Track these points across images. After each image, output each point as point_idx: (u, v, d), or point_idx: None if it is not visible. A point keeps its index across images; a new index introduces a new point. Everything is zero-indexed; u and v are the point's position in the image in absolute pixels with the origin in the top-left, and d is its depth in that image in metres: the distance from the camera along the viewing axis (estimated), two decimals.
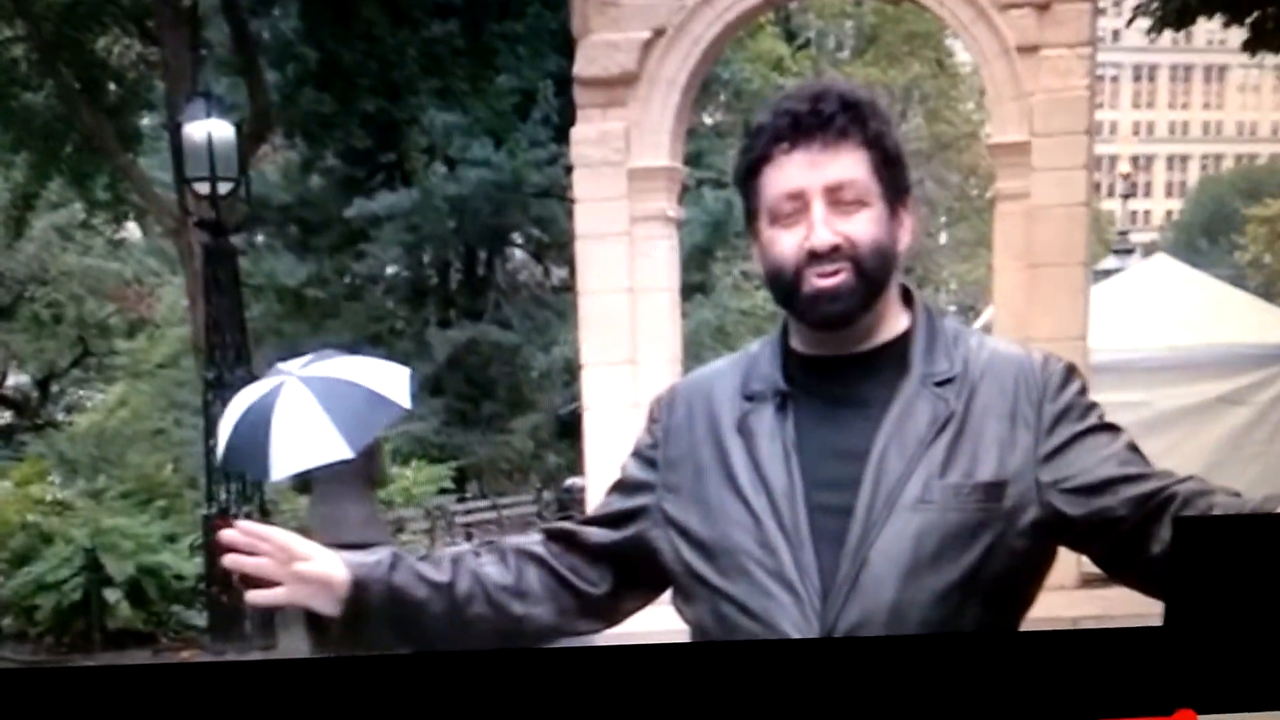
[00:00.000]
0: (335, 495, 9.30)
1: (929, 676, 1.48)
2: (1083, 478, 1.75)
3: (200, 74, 13.31)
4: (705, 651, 1.74)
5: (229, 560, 1.82)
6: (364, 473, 9.38)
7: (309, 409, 7.46)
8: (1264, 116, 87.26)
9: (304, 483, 9.38)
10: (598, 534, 1.95)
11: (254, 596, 1.83)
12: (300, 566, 1.82)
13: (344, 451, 7.44)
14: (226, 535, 1.81)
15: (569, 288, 14.73)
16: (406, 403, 7.48)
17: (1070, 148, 10.02)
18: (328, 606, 1.83)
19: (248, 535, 1.81)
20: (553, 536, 1.97)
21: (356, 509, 9.37)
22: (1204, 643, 1.39)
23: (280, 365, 8.25)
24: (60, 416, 25.24)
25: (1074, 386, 1.84)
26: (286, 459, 7.45)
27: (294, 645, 11.27)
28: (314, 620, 1.88)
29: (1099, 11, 10.63)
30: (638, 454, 1.96)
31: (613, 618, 1.98)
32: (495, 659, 1.52)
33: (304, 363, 7.96)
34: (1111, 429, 1.82)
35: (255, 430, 7.47)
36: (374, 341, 19.32)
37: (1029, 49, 9.99)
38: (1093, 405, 1.84)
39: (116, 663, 10.34)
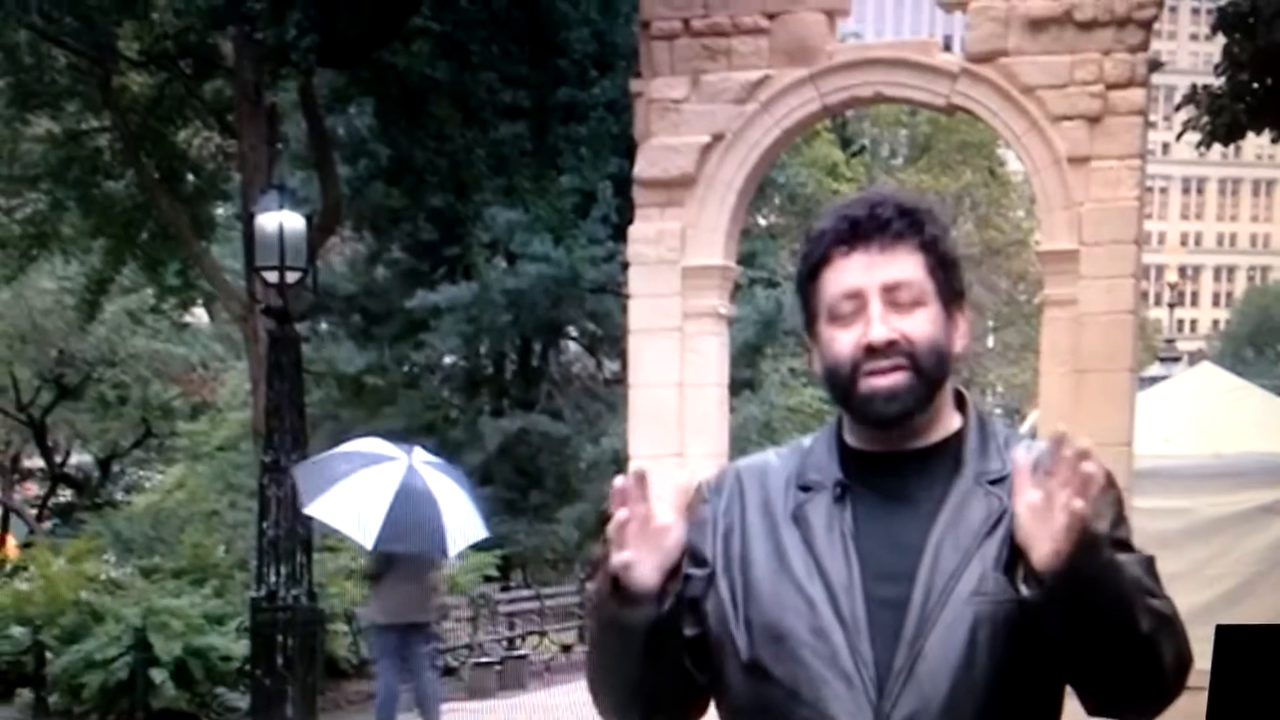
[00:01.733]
0: (415, 576, 9.89)
1: None
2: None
3: (275, 167, 13.64)
4: None
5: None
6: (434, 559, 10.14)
7: (458, 494, 8.25)
8: None
9: (378, 572, 9.77)
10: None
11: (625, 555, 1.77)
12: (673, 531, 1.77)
13: (483, 532, 8.19)
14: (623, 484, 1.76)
15: (620, 380, 14.88)
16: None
17: (1118, 256, 10.08)
18: (654, 578, 1.78)
19: (640, 486, 1.76)
20: None
21: (425, 589, 10.20)
22: None
23: (385, 446, 8.82)
24: (119, 496, 25.45)
25: (1111, 494, 1.85)
26: (458, 537, 8.13)
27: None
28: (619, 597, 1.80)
29: (1150, 125, 10.80)
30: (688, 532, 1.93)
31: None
32: None
33: (407, 449, 8.73)
34: (1131, 548, 1.85)
35: (420, 513, 8.08)
36: (428, 429, 19.56)
37: (1080, 160, 10.09)
38: (1124, 518, 1.88)
39: None
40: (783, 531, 1.88)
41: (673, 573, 1.80)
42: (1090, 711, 1.85)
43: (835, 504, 1.86)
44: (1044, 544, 1.67)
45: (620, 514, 1.75)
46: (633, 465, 10.74)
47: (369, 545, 8.49)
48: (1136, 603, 1.74)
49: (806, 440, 2.01)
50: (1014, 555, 1.75)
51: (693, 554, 1.88)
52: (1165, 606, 1.80)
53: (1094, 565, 1.68)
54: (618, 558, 1.77)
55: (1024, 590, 1.72)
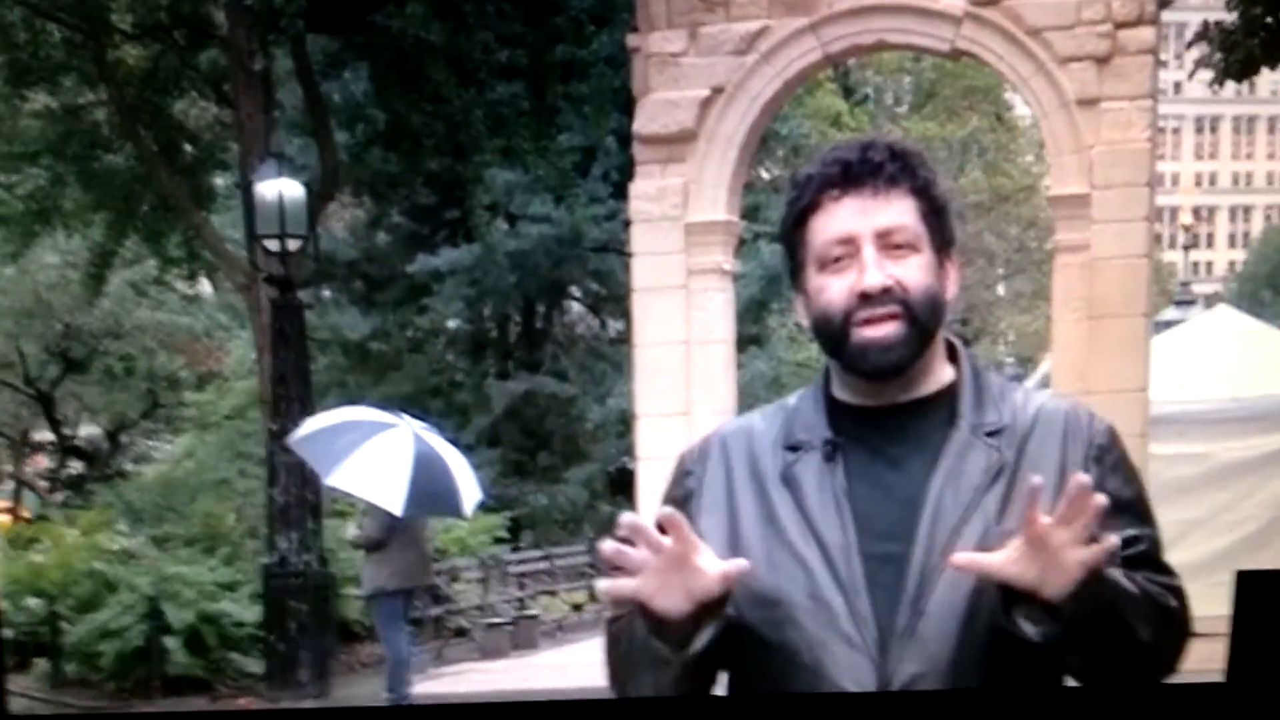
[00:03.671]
0: (417, 541, 10.10)
1: None
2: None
3: (273, 135, 13.62)
4: (759, 704, 1.70)
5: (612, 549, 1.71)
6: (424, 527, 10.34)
7: (460, 457, 8.58)
8: None
9: (381, 539, 9.88)
10: None
11: (626, 586, 1.70)
12: (697, 557, 1.70)
13: (480, 494, 8.48)
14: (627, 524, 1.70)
15: (625, 340, 14.81)
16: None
17: (1131, 200, 9.96)
18: (685, 605, 1.70)
19: (668, 521, 1.70)
20: None
21: (425, 556, 10.38)
22: (1266, 698, 1.39)
23: (378, 414, 9.01)
24: (129, 467, 25.58)
25: (1117, 450, 1.85)
26: (469, 498, 8.41)
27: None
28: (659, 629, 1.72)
29: (1160, 64, 10.60)
30: (672, 506, 1.87)
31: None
32: (535, 709, 1.48)
33: (398, 415, 8.98)
34: (1139, 511, 1.84)
35: (438, 478, 8.38)
36: (434, 393, 19.56)
37: (1089, 102, 9.95)
38: (1132, 477, 1.86)
39: (175, 709, 10.48)
40: (773, 495, 1.83)
41: (710, 605, 1.72)
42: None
43: (826, 463, 1.82)
44: (1061, 575, 1.63)
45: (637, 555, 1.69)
46: (640, 424, 10.73)
47: (399, 512, 8.57)
48: (1139, 617, 1.70)
49: (792, 399, 1.95)
50: (1008, 597, 1.69)
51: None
52: (1167, 595, 1.76)
53: (1104, 595, 1.65)
54: (626, 586, 1.70)
55: (1027, 629, 1.67)
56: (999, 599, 1.68)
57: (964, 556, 1.68)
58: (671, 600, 1.69)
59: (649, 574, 1.68)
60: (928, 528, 1.75)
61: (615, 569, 1.71)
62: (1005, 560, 1.65)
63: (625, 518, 1.72)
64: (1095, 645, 1.67)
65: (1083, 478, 1.61)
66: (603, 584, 1.74)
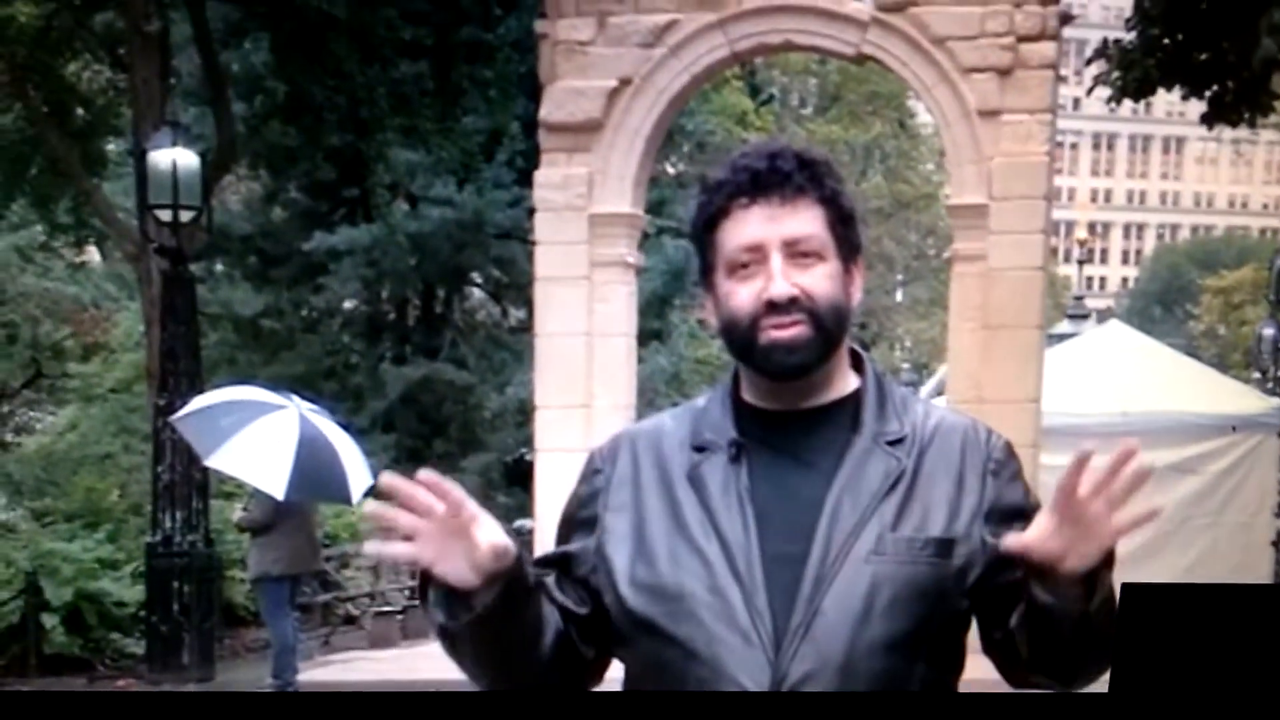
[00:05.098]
0: (304, 526, 9.94)
1: None
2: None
3: (168, 103, 13.29)
4: (650, 702, 1.70)
5: (375, 509, 1.73)
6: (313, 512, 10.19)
7: (349, 441, 8.39)
8: (1220, 189, 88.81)
9: (268, 523, 9.71)
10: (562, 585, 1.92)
11: (400, 550, 1.72)
12: (476, 529, 1.71)
13: (371, 479, 8.26)
14: (404, 485, 1.69)
15: (526, 329, 14.74)
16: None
17: (1028, 212, 10.13)
18: (470, 577, 1.72)
19: (435, 487, 1.69)
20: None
21: (313, 541, 10.22)
22: (1149, 710, 1.40)
23: (266, 394, 8.78)
24: (9, 438, 24.87)
25: (1014, 464, 1.91)
26: (358, 484, 8.20)
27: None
28: (452, 601, 1.74)
29: (1060, 79, 10.79)
30: (579, 503, 1.95)
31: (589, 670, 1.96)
32: (423, 700, 1.47)
33: (287, 396, 8.73)
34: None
35: (324, 462, 8.16)
36: (328, 375, 19.28)
37: (990, 113, 10.11)
38: (1029, 486, 1.91)
39: (50, 689, 10.19)
40: (679, 492, 1.86)
41: (495, 576, 1.74)
42: (1014, 684, 1.85)
43: (731, 463, 1.85)
44: (1090, 544, 1.66)
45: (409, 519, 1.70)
46: (539, 415, 10.68)
47: (280, 495, 8.37)
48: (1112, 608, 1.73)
49: (700, 400, 1.99)
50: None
51: (583, 523, 1.92)
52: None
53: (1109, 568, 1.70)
54: (397, 549, 1.72)
55: (1040, 595, 1.70)
56: (1028, 578, 1.71)
57: (1013, 539, 1.70)
58: (454, 568, 1.71)
59: (425, 539, 1.70)
60: (825, 530, 1.79)
61: (387, 531, 1.73)
62: (1039, 536, 1.68)
63: (384, 476, 1.73)
64: (1100, 627, 1.68)
65: (1132, 442, 1.65)
66: (370, 546, 1.79)
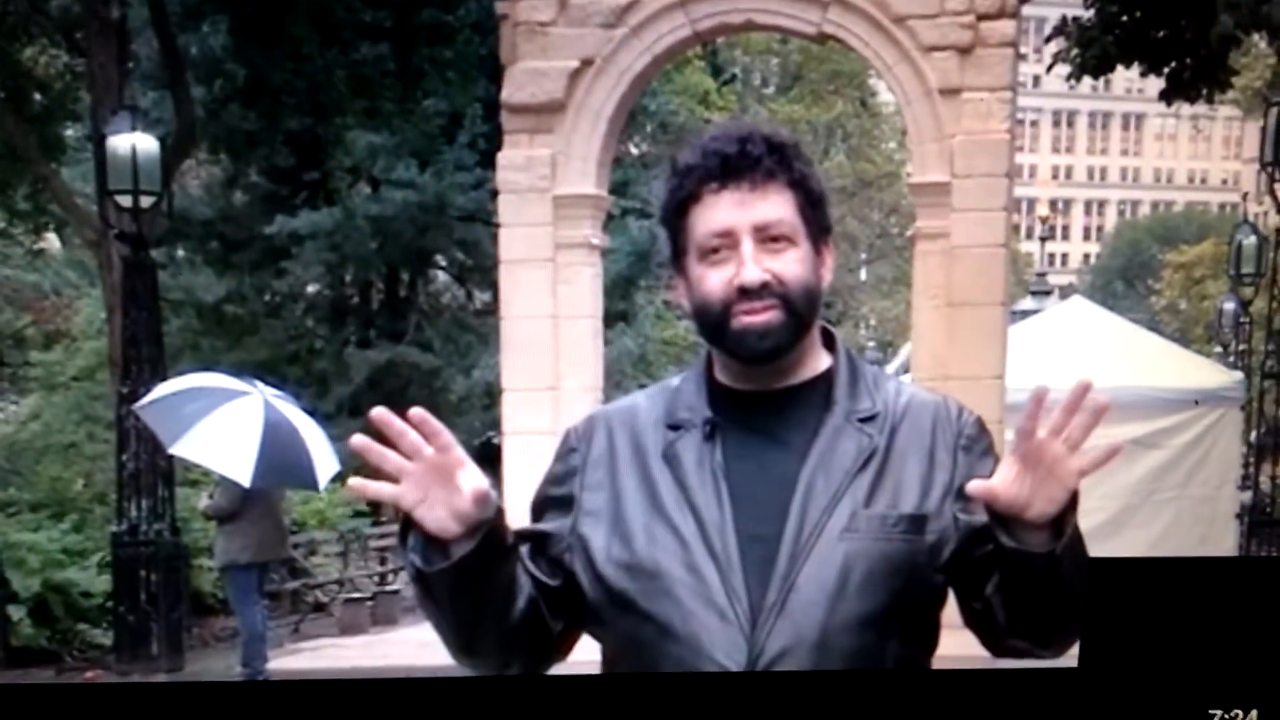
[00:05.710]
0: (272, 512, 9.89)
1: (850, 713, 1.48)
2: (978, 522, 1.79)
3: (127, 87, 13.14)
4: (626, 683, 1.70)
5: (362, 442, 1.72)
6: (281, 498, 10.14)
7: (314, 427, 8.30)
8: (1180, 164, 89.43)
9: (234, 510, 9.66)
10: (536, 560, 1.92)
11: (384, 490, 1.73)
12: (461, 473, 1.71)
13: (337, 465, 8.26)
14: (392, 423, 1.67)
15: (491, 312, 14.69)
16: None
17: (990, 189, 10.17)
18: (451, 525, 1.72)
19: (424, 425, 1.71)
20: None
21: (281, 528, 10.18)
22: (1118, 684, 1.41)
23: (230, 381, 8.70)
24: None
25: (986, 440, 1.92)
26: (324, 470, 8.14)
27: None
28: (430, 548, 1.74)
29: (1020, 57, 10.83)
30: (554, 481, 1.95)
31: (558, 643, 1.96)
32: (394, 687, 1.46)
33: (251, 382, 8.64)
34: None
35: (290, 448, 8.09)
36: (292, 360, 19.16)
37: (951, 92, 10.14)
38: (998, 463, 1.89)
39: (18, 681, 10.12)
40: (654, 471, 1.88)
41: (476, 526, 1.74)
42: (997, 654, 1.87)
43: (706, 441, 1.87)
44: (1055, 488, 1.67)
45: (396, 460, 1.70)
46: (506, 398, 10.66)
47: (246, 482, 8.33)
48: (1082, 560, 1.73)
49: (675, 380, 2.01)
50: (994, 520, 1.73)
51: (558, 502, 1.92)
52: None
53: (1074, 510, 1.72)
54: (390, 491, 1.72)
55: (1007, 541, 1.70)
56: (994, 526, 1.72)
57: (977, 485, 1.70)
58: (435, 515, 1.72)
59: (410, 481, 1.71)
60: (799, 507, 1.80)
61: (371, 469, 1.72)
62: (1002, 482, 1.69)
63: (375, 411, 1.71)
64: (1070, 573, 1.68)
65: (1087, 380, 1.67)
66: (354, 481, 1.76)
